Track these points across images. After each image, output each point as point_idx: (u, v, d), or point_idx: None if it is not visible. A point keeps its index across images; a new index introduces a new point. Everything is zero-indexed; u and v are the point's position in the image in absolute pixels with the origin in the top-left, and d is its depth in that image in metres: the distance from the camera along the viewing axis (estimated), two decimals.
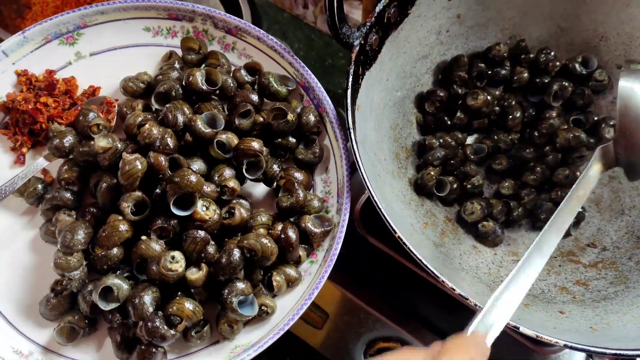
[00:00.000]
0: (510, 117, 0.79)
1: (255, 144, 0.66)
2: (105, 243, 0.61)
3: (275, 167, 0.69)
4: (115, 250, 0.61)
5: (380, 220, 0.58)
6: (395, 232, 0.58)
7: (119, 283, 0.59)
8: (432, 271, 0.57)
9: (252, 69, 0.76)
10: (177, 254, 0.60)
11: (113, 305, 0.59)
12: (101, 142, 0.62)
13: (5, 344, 0.62)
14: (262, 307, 0.63)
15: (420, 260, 0.58)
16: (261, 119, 0.71)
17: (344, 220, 0.67)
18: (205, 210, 0.62)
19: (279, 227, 0.65)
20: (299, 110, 0.73)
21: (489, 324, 0.44)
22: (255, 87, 0.75)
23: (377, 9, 0.68)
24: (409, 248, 0.58)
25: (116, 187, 0.63)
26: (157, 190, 0.62)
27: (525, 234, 0.79)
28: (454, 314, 0.78)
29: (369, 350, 0.77)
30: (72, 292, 0.62)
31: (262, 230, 0.65)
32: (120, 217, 0.61)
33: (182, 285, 0.62)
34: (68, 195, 0.66)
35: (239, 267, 0.61)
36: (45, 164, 0.70)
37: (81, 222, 0.63)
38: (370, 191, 0.60)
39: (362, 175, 0.61)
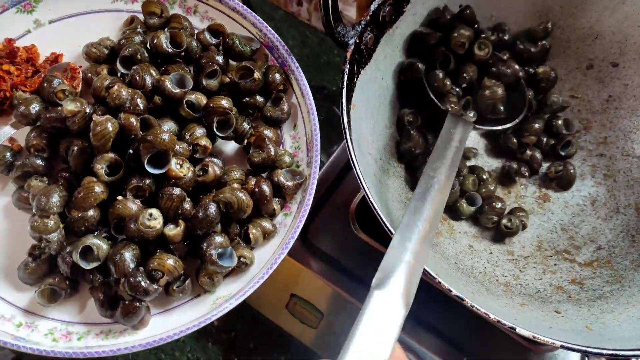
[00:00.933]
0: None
1: (225, 102, 0.66)
2: (81, 204, 0.59)
3: (245, 124, 0.69)
4: (91, 212, 0.60)
5: (375, 219, 0.56)
6: (392, 233, 0.55)
7: (98, 242, 0.58)
8: (429, 273, 0.54)
9: (216, 31, 0.75)
10: (155, 211, 0.60)
11: (94, 264, 0.58)
12: (69, 106, 0.61)
13: None
14: (241, 259, 0.63)
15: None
16: (228, 79, 0.71)
17: (315, 172, 0.68)
18: (180, 168, 0.62)
19: (253, 181, 0.66)
20: (264, 69, 0.73)
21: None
22: (220, 48, 0.74)
23: (372, 7, 0.67)
24: None
25: (88, 150, 0.62)
26: (130, 150, 0.61)
27: (520, 233, 0.77)
28: (450, 313, 0.76)
29: None
30: (50, 256, 0.61)
31: (236, 185, 0.65)
32: (95, 179, 0.61)
33: (162, 241, 0.61)
34: (39, 161, 0.64)
35: (216, 220, 0.62)
36: (12, 132, 0.67)
37: (55, 186, 0.61)
38: (366, 191, 0.58)
39: (358, 175, 0.58)
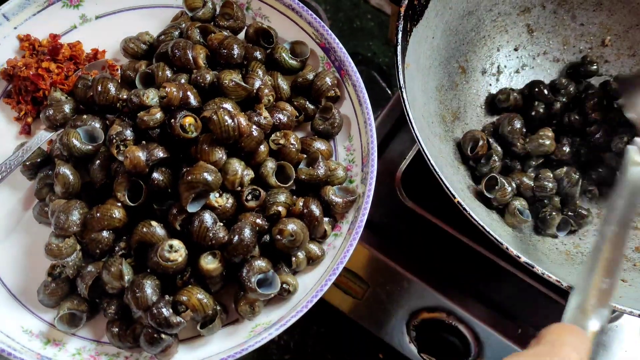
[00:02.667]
0: None
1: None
2: (95, 225, 0.52)
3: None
4: (105, 234, 0.53)
5: (423, 186, 0.55)
6: (455, 197, 0.53)
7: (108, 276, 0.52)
8: (495, 238, 0.52)
9: (266, 33, 0.66)
10: (176, 243, 0.51)
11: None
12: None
13: (14, 324, 0.56)
14: (284, 285, 0.55)
15: (482, 227, 0.53)
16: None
17: (370, 190, 0.58)
18: (217, 197, 0.54)
19: (300, 202, 0.57)
20: (310, 76, 0.64)
21: (588, 310, 0.41)
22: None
23: None
24: (469, 214, 0.53)
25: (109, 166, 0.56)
26: (155, 175, 0.53)
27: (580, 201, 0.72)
28: (500, 282, 0.73)
29: (412, 321, 0.70)
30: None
31: (281, 209, 0.56)
32: (118, 203, 0.53)
33: (195, 273, 0.54)
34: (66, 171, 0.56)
35: (252, 244, 0.53)
36: (49, 135, 0.61)
37: (76, 202, 0.54)
38: (427, 156, 0.55)
39: (418, 139, 0.55)
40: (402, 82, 0.58)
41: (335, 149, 0.65)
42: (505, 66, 0.80)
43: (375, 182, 0.57)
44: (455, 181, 0.66)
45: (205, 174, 0.51)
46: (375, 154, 0.60)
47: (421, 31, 0.67)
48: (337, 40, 0.65)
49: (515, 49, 0.80)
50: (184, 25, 0.65)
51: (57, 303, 0.55)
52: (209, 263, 0.53)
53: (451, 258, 0.74)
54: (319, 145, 0.62)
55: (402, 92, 0.57)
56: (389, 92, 0.89)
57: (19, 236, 0.60)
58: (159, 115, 0.55)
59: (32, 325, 0.56)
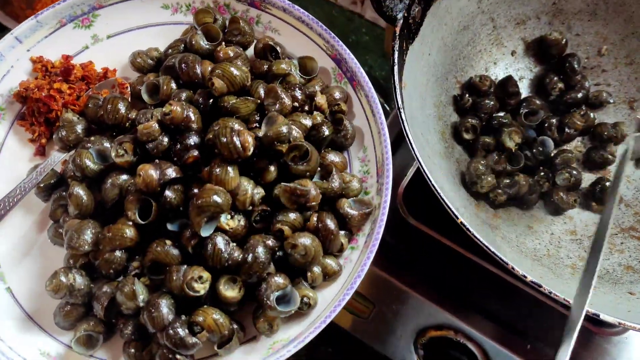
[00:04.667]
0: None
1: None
2: (107, 245, 0.52)
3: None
4: (118, 254, 0.53)
5: (426, 204, 0.52)
6: (458, 218, 0.52)
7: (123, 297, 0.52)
8: (501, 258, 0.51)
9: (272, 48, 0.65)
10: (205, 275, 0.51)
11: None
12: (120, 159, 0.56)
13: (32, 346, 0.55)
14: (304, 299, 0.53)
15: (487, 247, 0.52)
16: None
17: (386, 201, 0.57)
18: (229, 219, 0.54)
19: (315, 217, 0.56)
20: (317, 88, 0.63)
21: None
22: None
23: None
24: (474, 235, 0.52)
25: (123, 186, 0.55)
26: (168, 193, 0.53)
27: (580, 211, 0.72)
28: (508, 298, 0.71)
29: (419, 340, 0.69)
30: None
31: (285, 227, 0.55)
32: (129, 222, 0.53)
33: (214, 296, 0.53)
34: (80, 192, 0.56)
35: (267, 261, 0.52)
36: (63, 156, 0.61)
37: (89, 221, 0.54)
38: (427, 176, 0.53)
39: (418, 159, 0.54)
40: (400, 102, 0.57)
41: (349, 160, 0.64)
42: None
43: None
44: (457, 198, 0.65)
45: (214, 197, 0.50)
46: (391, 164, 0.59)
47: (417, 48, 0.66)
48: (348, 51, 0.64)
49: (512, 61, 0.79)
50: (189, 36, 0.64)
51: (73, 325, 0.54)
52: (228, 290, 0.52)
53: (457, 275, 0.73)
54: (333, 157, 0.60)
55: (400, 112, 0.57)
56: (387, 107, 0.87)
57: (35, 258, 0.60)
58: (156, 127, 0.55)
59: (49, 348, 0.56)
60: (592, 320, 0.63)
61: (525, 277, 0.51)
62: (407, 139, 0.55)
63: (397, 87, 0.58)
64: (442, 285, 0.71)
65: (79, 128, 0.60)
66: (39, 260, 0.60)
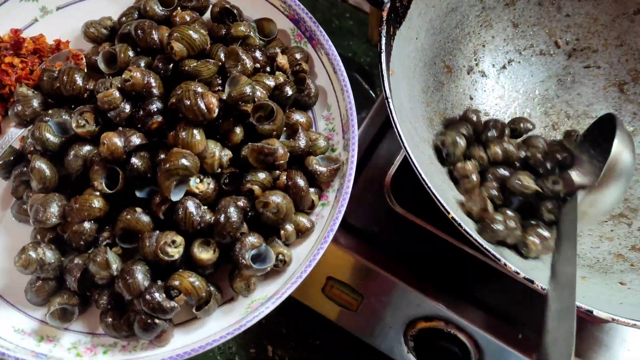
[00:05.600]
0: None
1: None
2: (75, 216, 0.51)
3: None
4: (87, 225, 0.52)
5: (414, 192, 0.53)
6: (449, 213, 0.51)
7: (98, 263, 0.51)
8: (493, 254, 0.50)
9: (229, 11, 0.65)
10: (179, 239, 0.51)
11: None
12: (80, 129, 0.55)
13: (5, 324, 0.54)
14: (279, 256, 0.54)
15: (479, 243, 0.51)
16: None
17: (353, 156, 0.58)
18: (198, 183, 0.54)
19: (284, 175, 0.56)
20: (278, 50, 0.63)
21: None
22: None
23: None
24: (465, 230, 0.51)
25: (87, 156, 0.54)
26: (134, 160, 0.52)
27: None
28: (498, 286, 0.71)
29: (409, 331, 0.69)
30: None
31: (256, 187, 0.55)
32: (96, 193, 0.52)
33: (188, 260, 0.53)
34: (42, 165, 0.55)
35: (240, 221, 0.52)
36: (20, 132, 0.60)
37: (54, 194, 0.53)
38: (418, 171, 0.52)
39: (407, 152, 0.53)
40: (388, 91, 0.55)
41: (314, 119, 0.64)
42: (492, 63, 0.77)
43: (362, 189, 0.56)
44: (447, 189, 0.63)
45: (182, 160, 0.50)
46: (355, 120, 0.59)
47: (404, 33, 0.64)
48: (306, 10, 0.64)
49: (501, 44, 0.78)
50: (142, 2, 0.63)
51: (46, 300, 0.54)
52: (202, 252, 0.52)
53: (446, 264, 0.72)
54: (298, 117, 0.61)
55: (388, 102, 0.55)
56: (373, 94, 0.87)
57: (0, 237, 0.59)
58: (117, 94, 0.54)
59: (23, 324, 0.55)
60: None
61: (518, 273, 0.50)
62: (395, 131, 0.54)
63: (385, 75, 0.56)
64: (431, 275, 0.70)
65: (35, 102, 0.58)
66: (4, 239, 0.59)
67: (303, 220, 0.57)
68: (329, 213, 0.58)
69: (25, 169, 0.56)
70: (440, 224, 0.69)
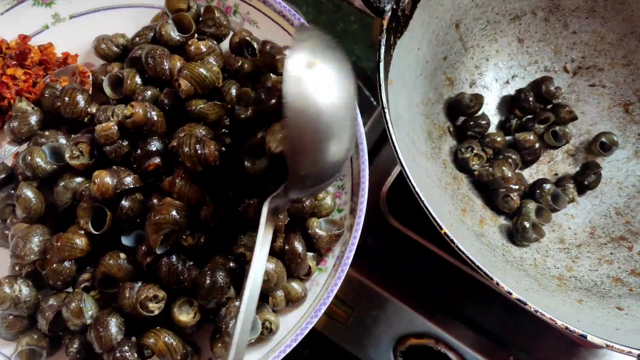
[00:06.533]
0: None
1: None
2: (55, 255, 0.48)
3: None
4: (66, 264, 0.49)
5: (409, 205, 0.51)
6: (442, 229, 0.50)
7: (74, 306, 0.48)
8: (485, 272, 0.49)
9: (249, 44, 0.61)
10: (161, 295, 0.48)
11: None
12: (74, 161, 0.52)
13: None
14: (265, 323, 0.51)
15: (471, 260, 0.50)
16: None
17: (359, 223, 0.54)
18: (188, 236, 0.50)
19: (281, 239, 0.52)
20: None
21: None
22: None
23: None
24: (457, 247, 0.50)
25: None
26: (124, 203, 0.49)
27: (569, 218, 0.71)
28: (490, 306, 0.70)
29: (399, 347, 0.68)
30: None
31: (248, 253, 0.51)
32: (81, 231, 0.49)
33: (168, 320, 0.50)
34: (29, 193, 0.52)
35: (227, 286, 0.49)
36: (14, 149, 0.57)
37: (37, 226, 0.50)
38: (412, 185, 0.51)
39: (402, 166, 0.51)
40: (385, 101, 0.53)
41: None
42: (495, 78, 0.75)
43: None
44: (443, 203, 0.62)
45: (173, 213, 0.46)
46: (367, 183, 0.55)
47: (406, 43, 0.62)
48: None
49: (505, 58, 0.76)
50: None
51: (16, 337, 0.51)
52: (182, 314, 0.49)
53: (439, 281, 0.71)
54: None
55: (385, 113, 0.53)
56: (374, 101, 0.83)
57: None
58: (115, 129, 0.51)
59: None
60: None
61: (511, 293, 0.49)
62: (391, 143, 0.52)
63: (383, 85, 0.54)
64: (423, 291, 0.70)
65: (33, 119, 0.56)
66: None
67: (296, 287, 0.53)
68: (324, 281, 0.54)
69: (12, 191, 0.54)
70: (434, 239, 0.68)
